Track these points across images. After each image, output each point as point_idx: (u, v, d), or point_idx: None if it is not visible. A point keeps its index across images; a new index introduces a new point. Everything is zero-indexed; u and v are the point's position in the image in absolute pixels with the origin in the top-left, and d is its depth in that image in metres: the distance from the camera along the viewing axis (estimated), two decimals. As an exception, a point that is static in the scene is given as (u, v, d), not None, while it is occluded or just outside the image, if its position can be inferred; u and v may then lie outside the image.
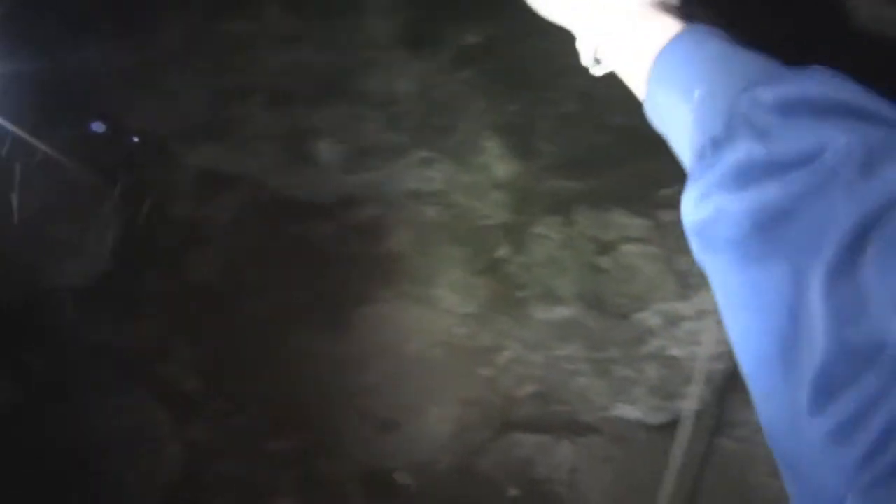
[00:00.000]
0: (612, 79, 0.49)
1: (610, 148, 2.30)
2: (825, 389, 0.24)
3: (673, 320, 2.28)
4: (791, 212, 0.26)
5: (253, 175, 2.31)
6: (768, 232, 0.27)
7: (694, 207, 0.33)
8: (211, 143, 2.24)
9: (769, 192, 0.27)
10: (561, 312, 2.26)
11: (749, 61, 0.33)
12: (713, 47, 0.35)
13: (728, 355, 2.51)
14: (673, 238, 2.12)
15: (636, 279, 2.12)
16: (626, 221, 2.11)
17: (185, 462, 2.47)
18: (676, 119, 0.35)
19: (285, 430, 2.42)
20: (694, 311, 2.24)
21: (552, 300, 2.25)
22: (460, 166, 2.31)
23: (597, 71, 0.46)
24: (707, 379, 2.51)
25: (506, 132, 2.29)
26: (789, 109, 0.28)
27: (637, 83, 0.41)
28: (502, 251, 2.30)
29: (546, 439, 2.51)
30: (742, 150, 0.29)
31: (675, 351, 2.37)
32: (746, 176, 0.28)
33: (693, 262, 0.36)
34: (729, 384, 2.63)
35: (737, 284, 0.29)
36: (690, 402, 2.49)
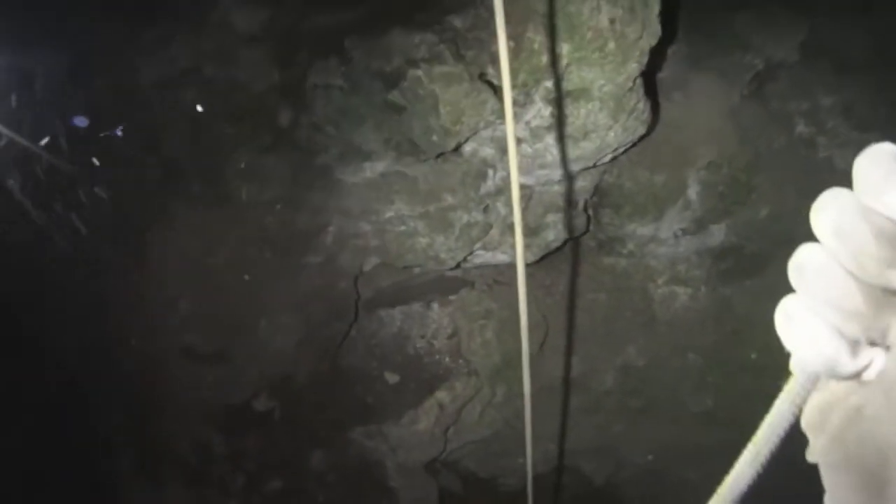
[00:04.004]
0: None
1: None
2: None
3: (506, 145, 1.93)
4: None
5: None
6: None
7: None
8: None
9: None
10: (374, 168, 1.89)
11: None
12: None
13: (585, 174, 2.20)
14: (474, 47, 1.73)
15: (443, 108, 1.74)
16: (408, 42, 1.70)
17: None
18: None
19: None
20: (527, 131, 1.88)
21: (360, 157, 1.88)
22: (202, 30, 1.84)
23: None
24: (570, 202, 2.21)
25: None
26: None
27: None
28: (285, 117, 1.89)
29: (412, 309, 2.23)
30: None
31: (522, 179, 2.04)
32: None
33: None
34: (600, 200, 2.35)
35: None
36: (556, 230, 2.20)
